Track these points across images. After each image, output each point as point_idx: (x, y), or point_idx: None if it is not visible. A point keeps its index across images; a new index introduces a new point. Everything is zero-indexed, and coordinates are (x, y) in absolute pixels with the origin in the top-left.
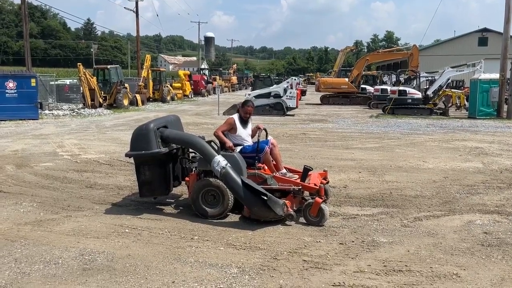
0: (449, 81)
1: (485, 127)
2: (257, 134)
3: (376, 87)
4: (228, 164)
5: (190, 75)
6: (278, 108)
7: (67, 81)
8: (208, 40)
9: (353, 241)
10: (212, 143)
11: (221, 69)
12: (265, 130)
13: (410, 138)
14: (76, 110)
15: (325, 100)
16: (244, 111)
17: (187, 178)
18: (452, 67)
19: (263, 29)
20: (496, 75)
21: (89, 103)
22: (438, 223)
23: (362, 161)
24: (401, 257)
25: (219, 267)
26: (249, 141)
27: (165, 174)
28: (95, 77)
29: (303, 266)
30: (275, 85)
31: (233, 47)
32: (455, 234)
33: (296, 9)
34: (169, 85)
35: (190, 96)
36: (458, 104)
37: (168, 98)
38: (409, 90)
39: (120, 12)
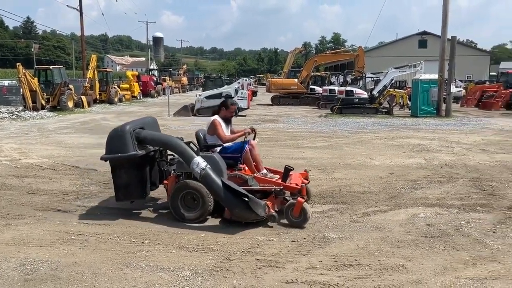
0: (393, 81)
1: (426, 125)
2: (244, 136)
3: (325, 87)
4: (208, 166)
5: (139, 75)
6: None
7: (5, 82)
8: (157, 41)
9: (304, 238)
10: (191, 144)
11: (171, 69)
12: (255, 130)
13: (358, 137)
14: (16, 112)
15: (275, 101)
16: (230, 111)
17: (165, 181)
18: (395, 68)
19: (213, 30)
20: (435, 76)
21: (30, 105)
22: (385, 217)
23: (312, 160)
24: (351, 252)
25: (171, 271)
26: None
27: (142, 177)
28: (36, 78)
29: (256, 265)
30: (226, 86)
31: (183, 47)
32: (401, 227)
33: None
34: (116, 86)
35: (139, 97)
36: (402, 103)
37: (116, 99)
38: (355, 90)
39: (63, 10)
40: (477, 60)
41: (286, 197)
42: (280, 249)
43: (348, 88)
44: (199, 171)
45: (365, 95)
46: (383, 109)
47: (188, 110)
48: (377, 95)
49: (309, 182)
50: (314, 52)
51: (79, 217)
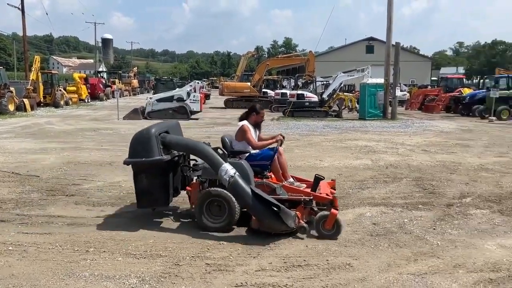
0: (342, 85)
1: (373, 127)
2: (277, 143)
3: (277, 91)
4: (237, 173)
5: (87, 78)
6: (182, 112)
7: None
8: (106, 42)
9: (255, 241)
10: (219, 150)
11: (120, 72)
12: (284, 137)
13: (308, 139)
14: None
15: (229, 104)
16: (261, 116)
17: (188, 188)
18: (344, 72)
19: (165, 32)
20: (381, 80)
21: None
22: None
23: None
24: (300, 253)
25: (117, 279)
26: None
27: (166, 183)
28: None
29: (206, 270)
30: (178, 89)
31: (134, 49)
32: (349, 227)
33: (199, 13)
34: (62, 89)
35: (86, 101)
36: (350, 107)
37: (62, 102)
38: (306, 93)
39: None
40: (420, 66)
41: (314, 208)
42: (230, 252)
43: (299, 92)
44: (227, 179)
45: (315, 98)
46: (332, 112)
47: (138, 113)
48: (327, 99)
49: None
50: (266, 56)
51: (18, 227)
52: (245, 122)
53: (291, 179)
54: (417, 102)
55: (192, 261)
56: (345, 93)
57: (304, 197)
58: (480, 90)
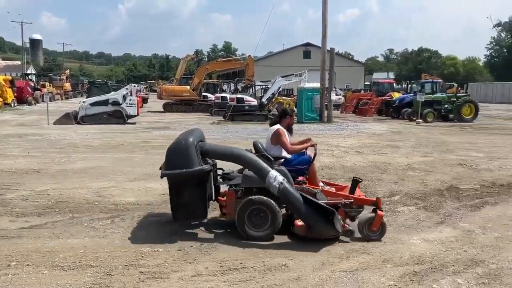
0: (280, 89)
1: (310, 130)
2: (314, 147)
3: (217, 95)
4: (285, 179)
5: (13, 80)
6: (118, 116)
7: None
8: (35, 43)
9: (192, 246)
10: (261, 156)
11: (51, 74)
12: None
13: (247, 143)
14: None
15: (168, 108)
16: (292, 119)
17: (220, 198)
18: (282, 77)
19: (100, 34)
20: (317, 84)
21: None
22: None
23: None
24: (237, 256)
25: None
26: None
27: (205, 194)
28: None
29: (139, 278)
30: (113, 92)
31: (66, 51)
32: (285, 228)
33: (135, 15)
34: None
35: (13, 105)
36: None
37: None
38: (246, 97)
39: None
40: (354, 71)
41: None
42: (166, 259)
43: (239, 96)
44: (277, 185)
45: (255, 102)
46: (271, 116)
47: (70, 118)
48: (266, 103)
49: None
50: (206, 59)
51: None
52: (279, 126)
53: (321, 183)
54: (352, 106)
55: (125, 270)
56: (283, 97)
57: (344, 200)
58: (408, 94)
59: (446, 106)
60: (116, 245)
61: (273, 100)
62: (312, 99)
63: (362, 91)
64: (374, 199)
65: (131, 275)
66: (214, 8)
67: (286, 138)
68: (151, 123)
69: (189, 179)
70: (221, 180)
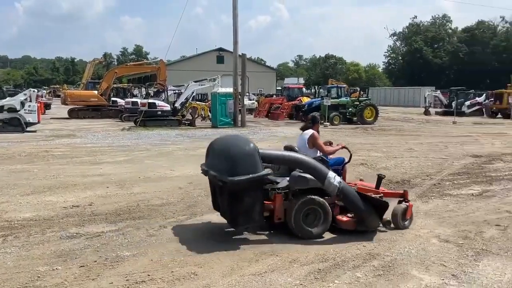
0: (194, 94)
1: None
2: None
3: (127, 100)
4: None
5: None
6: (15, 124)
7: None
8: None
9: (95, 261)
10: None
11: None
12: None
13: (159, 149)
14: None
15: (73, 114)
16: (319, 124)
17: (268, 202)
18: (195, 81)
19: None
20: (231, 89)
21: None
22: (182, 227)
23: (111, 176)
24: (144, 268)
25: None
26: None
27: (262, 199)
28: None
29: None
30: (8, 98)
31: None
32: (196, 235)
33: (36, 14)
34: None
35: None
36: (203, 115)
37: None
38: (158, 102)
39: None
40: (267, 76)
41: None
42: (66, 277)
43: (151, 101)
44: (337, 185)
45: (167, 107)
46: (186, 121)
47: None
48: (179, 107)
49: None
50: (116, 63)
51: None
52: (313, 131)
53: None
54: (264, 110)
55: None
56: (197, 102)
57: (377, 195)
58: (316, 99)
59: (350, 109)
60: (8, 266)
61: (187, 105)
62: (226, 104)
63: (274, 96)
64: (402, 191)
65: None
66: (123, 10)
67: (320, 140)
68: (54, 131)
69: (253, 184)
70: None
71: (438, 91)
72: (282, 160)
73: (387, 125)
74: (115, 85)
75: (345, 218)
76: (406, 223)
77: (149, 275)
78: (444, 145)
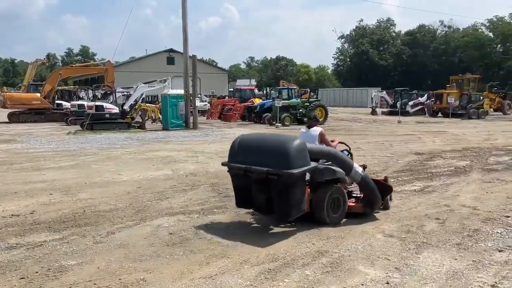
0: (144, 95)
1: (176, 137)
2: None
3: (73, 102)
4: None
5: None
6: None
7: None
8: None
9: (37, 272)
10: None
11: None
12: None
13: (107, 153)
14: None
15: (14, 118)
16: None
17: None
18: (144, 83)
19: None
20: (182, 91)
21: None
22: (130, 233)
23: (55, 182)
24: (90, 276)
25: None
26: None
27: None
28: None
29: None
30: None
31: None
32: (145, 240)
33: None
34: None
35: None
36: (154, 118)
37: None
38: (106, 105)
39: None
40: (219, 77)
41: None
42: None
43: (98, 103)
44: (361, 174)
45: (116, 110)
46: (135, 124)
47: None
48: (128, 110)
49: None
50: (60, 64)
51: None
52: (320, 128)
53: None
54: (217, 112)
55: None
56: (147, 104)
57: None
58: (268, 100)
59: (300, 110)
60: None
61: (137, 107)
62: (177, 106)
63: (227, 98)
64: (384, 177)
65: None
66: (66, 9)
67: (327, 136)
68: None
69: (303, 176)
70: None
71: (384, 92)
72: (320, 153)
73: (337, 125)
74: (59, 87)
75: (353, 203)
76: (390, 203)
77: (95, 284)
78: (389, 143)
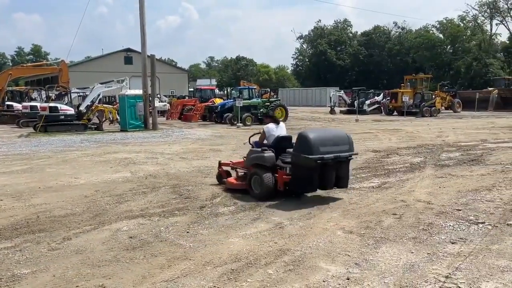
0: (101, 96)
1: (135, 138)
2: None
3: (25, 103)
4: None
5: None
6: None
7: None
8: None
9: None
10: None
11: None
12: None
13: (63, 156)
14: None
15: None
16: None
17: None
18: (101, 83)
19: None
20: (140, 91)
21: None
22: (88, 238)
23: (5, 187)
24: (45, 285)
25: None
26: None
27: None
28: None
29: None
30: None
31: None
32: (104, 245)
33: None
34: None
35: None
36: (111, 119)
37: None
38: (61, 106)
39: None
40: (178, 77)
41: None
42: None
43: (52, 105)
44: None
45: (71, 111)
46: (92, 125)
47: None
48: (85, 111)
49: None
50: (10, 64)
51: None
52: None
53: None
54: (177, 112)
55: None
56: (104, 105)
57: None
58: (229, 100)
59: (261, 110)
60: None
61: (93, 108)
62: (135, 106)
63: (187, 98)
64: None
65: None
66: (16, 7)
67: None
68: None
69: None
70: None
71: (342, 91)
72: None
73: (297, 125)
74: (9, 88)
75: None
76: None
77: None
78: None
